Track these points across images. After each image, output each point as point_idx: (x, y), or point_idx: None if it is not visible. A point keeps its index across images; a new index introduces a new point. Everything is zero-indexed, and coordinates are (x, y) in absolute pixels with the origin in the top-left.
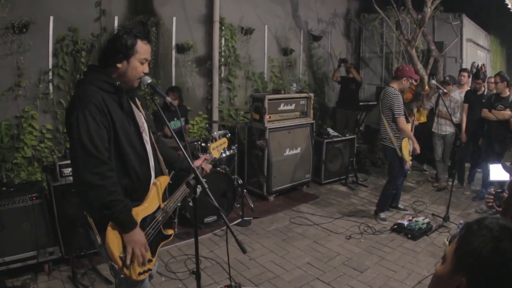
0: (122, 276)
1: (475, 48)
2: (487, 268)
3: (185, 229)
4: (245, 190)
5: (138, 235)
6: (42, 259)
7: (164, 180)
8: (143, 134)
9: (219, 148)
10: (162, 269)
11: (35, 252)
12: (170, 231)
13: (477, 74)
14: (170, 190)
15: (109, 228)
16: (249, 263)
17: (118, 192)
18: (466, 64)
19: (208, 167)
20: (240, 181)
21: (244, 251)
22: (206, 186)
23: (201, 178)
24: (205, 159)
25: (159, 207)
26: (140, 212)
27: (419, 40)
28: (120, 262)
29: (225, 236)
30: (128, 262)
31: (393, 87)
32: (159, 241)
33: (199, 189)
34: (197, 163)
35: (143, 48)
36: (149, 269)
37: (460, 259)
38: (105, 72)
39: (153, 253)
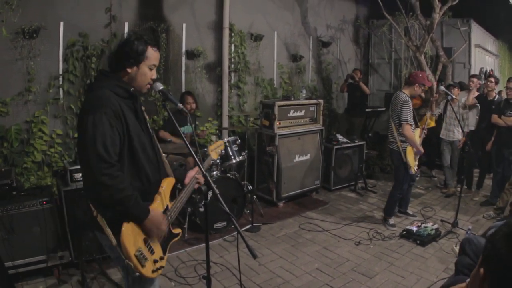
0: (137, 274)
1: (484, 54)
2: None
3: (194, 234)
4: (254, 196)
5: (155, 217)
6: (52, 263)
7: (170, 181)
8: (154, 139)
9: (217, 150)
10: (172, 274)
11: (45, 256)
12: (177, 230)
13: (488, 74)
14: None
15: (123, 228)
16: (259, 268)
17: (126, 188)
18: (475, 70)
19: (201, 178)
20: (250, 187)
21: (254, 256)
22: (217, 192)
23: (212, 184)
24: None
25: (167, 207)
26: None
27: (427, 46)
28: (135, 260)
29: (235, 241)
30: (146, 255)
31: (404, 93)
32: (169, 240)
33: (209, 195)
34: (191, 173)
35: (153, 55)
36: (162, 267)
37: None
38: (117, 77)
39: (164, 252)
